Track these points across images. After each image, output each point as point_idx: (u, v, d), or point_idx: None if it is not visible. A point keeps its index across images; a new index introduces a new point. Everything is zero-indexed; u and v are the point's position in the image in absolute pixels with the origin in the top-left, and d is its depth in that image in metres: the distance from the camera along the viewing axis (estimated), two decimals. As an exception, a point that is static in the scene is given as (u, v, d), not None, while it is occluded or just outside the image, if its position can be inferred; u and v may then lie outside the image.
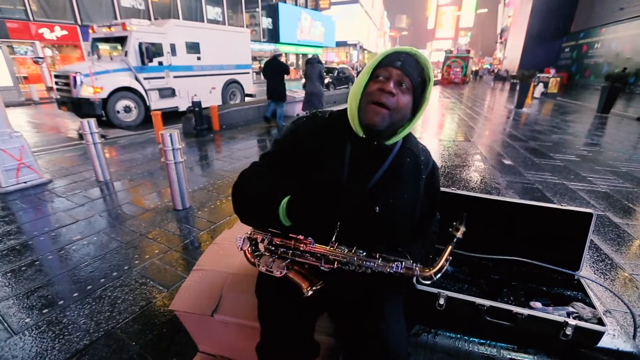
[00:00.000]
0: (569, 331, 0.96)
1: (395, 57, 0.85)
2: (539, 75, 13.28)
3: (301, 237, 0.87)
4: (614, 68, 14.97)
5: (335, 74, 14.96)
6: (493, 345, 1.03)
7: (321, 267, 0.85)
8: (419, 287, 1.11)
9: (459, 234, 0.79)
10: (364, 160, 0.91)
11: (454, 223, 0.80)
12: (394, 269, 0.81)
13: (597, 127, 7.28)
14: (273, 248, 0.90)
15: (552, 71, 14.45)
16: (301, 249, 0.87)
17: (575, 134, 6.40)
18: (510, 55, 31.49)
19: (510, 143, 5.55)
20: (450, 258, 0.80)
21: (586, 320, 0.99)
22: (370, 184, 0.90)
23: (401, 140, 0.95)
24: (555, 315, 0.99)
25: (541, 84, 13.27)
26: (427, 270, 0.80)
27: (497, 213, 1.29)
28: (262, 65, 6.78)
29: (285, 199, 0.82)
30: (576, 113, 9.28)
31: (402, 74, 0.83)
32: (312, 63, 6.40)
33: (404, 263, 0.81)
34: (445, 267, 0.80)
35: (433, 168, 1.00)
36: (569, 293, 1.12)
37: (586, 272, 1.20)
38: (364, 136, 0.89)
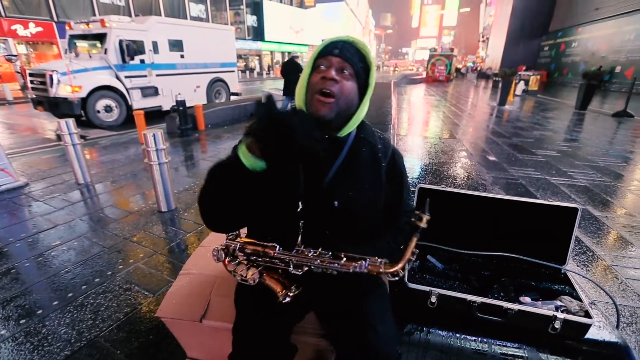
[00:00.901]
0: (557, 325, 0.98)
1: (333, 46, 0.85)
2: (520, 73, 13.63)
3: (268, 244, 0.87)
4: (590, 66, 15.53)
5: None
6: (484, 341, 1.04)
7: (291, 271, 0.84)
8: (411, 285, 1.10)
9: (422, 224, 0.75)
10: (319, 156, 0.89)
11: (416, 212, 0.76)
12: (358, 269, 0.79)
13: (575, 123, 7.52)
14: (245, 257, 0.89)
15: (524, 67, 14.79)
16: (269, 254, 0.86)
17: (555, 130, 6.59)
18: (492, 54, 32.19)
19: (494, 140, 5.67)
20: (417, 251, 0.78)
21: (574, 314, 1.01)
22: (327, 178, 0.88)
23: (355, 131, 0.94)
24: (544, 309, 1.01)
25: (522, 82, 13.62)
26: (393, 265, 0.79)
27: (486, 209, 1.30)
28: (281, 66, 7.42)
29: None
30: (556, 110, 9.56)
31: (342, 61, 0.84)
32: None
33: (368, 261, 0.80)
34: (412, 261, 0.78)
35: (394, 155, 0.98)
36: (556, 287, 1.14)
37: (571, 265, 1.22)
38: None
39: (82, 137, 3.58)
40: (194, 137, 5.79)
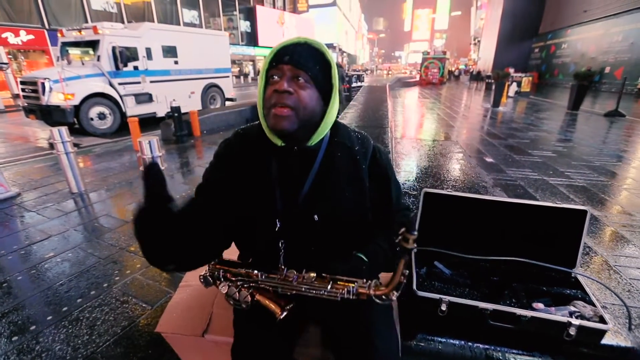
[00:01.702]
0: (572, 331, 0.95)
1: (283, 53, 0.77)
2: (512, 75, 13.77)
3: (250, 270, 0.84)
4: (580, 67, 15.77)
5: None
6: (498, 350, 1.01)
7: (280, 292, 0.81)
8: (420, 293, 1.07)
9: (409, 245, 0.63)
10: (292, 170, 0.84)
11: (400, 232, 0.65)
12: (346, 294, 0.75)
13: (568, 123, 7.59)
14: (232, 282, 0.86)
15: (511, 70, 14.88)
16: (253, 279, 0.83)
17: (549, 131, 6.64)
18: (484, 56, 32.58)
19: (490, 141, 5.69)
20: (407, 272, 0.70)
21: (588, 319, 0.98)
22: (303, 192, 0.83)
23: (328, 136, 0.88)
24: (558, 315, 0.98)
25: (515, 84, 13.77)
26: (382, 289, 0.74)
27: (492, 213, 1.28)
28: None
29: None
30: (548, 111, 9.66)
31: (294, 68, 0.75)
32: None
33: (356, 285, 0.75)
34: (403, 283, 0.71)
35: (375, 152, 0.92)
36: (568, 291, 1.11)
37: (580, 269, 1.20)
38: (283, 144, 0.83)
39: (75, 145, 3.51)
40: (190, 144, 5.74)
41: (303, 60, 0.76)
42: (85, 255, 2.28)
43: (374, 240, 0.91)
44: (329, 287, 0.76)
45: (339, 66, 7.47)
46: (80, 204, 3.18)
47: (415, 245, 0.64)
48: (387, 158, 0.96)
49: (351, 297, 0.75)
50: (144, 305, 1.78)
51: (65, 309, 1.76)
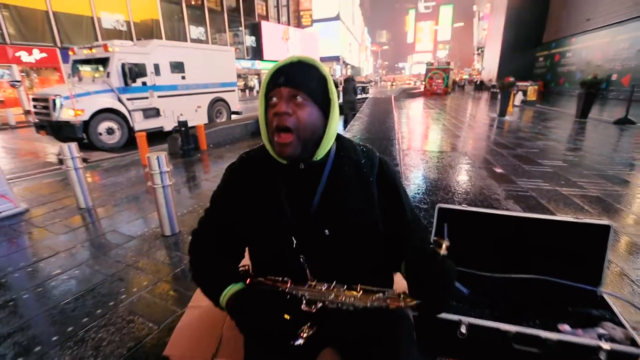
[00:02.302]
0: (602, 356, 0.89)
1: (278, 75, 0.79)
2: (517, 84, 13.72)
3: (279, 278, 0.83)
4: (586, 75, 15.67)
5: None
6: (522, 376, 0.95)
7: (303, 309, 0.78)
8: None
9: (442, 251, 0.67)
10: (299, 188, 0.85)
11: (434, 238, 0.70)
12: (377, 303, 0.73)
13: (577, 132, 7.50)
14: None
15: (512, 79, 14.75)
16: (282, 289, 0.81)
17: (558, 140, 6.56)
18: (488, 66, 32.69)
19: (499, 151, 5.63)
20: None
21: (619, 342, 0.92)
22: (312, 207, 0.83)
23: (334, 150, 0.88)
24: (587, 338, 0.93)
25: (520, 93, 13.72)
26: (413, 299, 0.72)
27: (509, 229, 1.23)
28: (342, 83, 9.31)
29: (226, 293, 0.82)
30: (556, 119, 9.58)
31: (291, 88, 0.77)
32: (348, 81, 8.93)
33: (386, 294, 0.74)
34: None
35: (381, 165, 0.92)
36: (594, 312, 1.05)
37: (606, 287, 1.14)
38: (288, 163, 0.84)
39: (84, 159, 3.55)
40: (196, 157, 5.77)
41: (298, 79, 0.78)
42: (92, 272, 2.26)
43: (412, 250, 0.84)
44: (359, 295, 0.75)
45: (352, 79, 8.25)
46: (87, 219, 3.19)
47: (446, 252, 0.67)
48: (394, 170, 0.97)
49: (382, 304, 0.73)
50: (150, 324, 1.74)
51: (70, 329, 1.72)
